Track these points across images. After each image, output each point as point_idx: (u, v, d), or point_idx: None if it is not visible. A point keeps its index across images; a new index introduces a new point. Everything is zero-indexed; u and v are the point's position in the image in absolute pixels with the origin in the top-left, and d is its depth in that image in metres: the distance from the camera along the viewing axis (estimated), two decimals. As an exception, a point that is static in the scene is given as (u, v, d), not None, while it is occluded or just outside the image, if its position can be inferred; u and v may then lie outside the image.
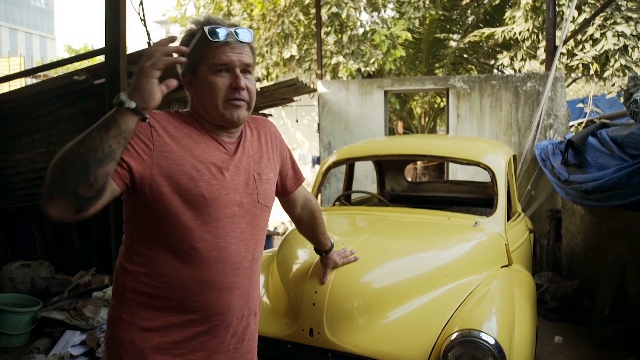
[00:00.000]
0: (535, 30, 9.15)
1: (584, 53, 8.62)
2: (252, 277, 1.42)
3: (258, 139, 1.47)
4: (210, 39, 1.28)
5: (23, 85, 8.66)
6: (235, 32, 1.31)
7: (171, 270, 1.28)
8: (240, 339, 1.40)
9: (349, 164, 3.76)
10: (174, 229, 1.27)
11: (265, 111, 7.70)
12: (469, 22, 11.16)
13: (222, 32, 1.29)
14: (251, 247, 1.39)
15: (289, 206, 1.73)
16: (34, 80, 8.81)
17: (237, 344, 1.40)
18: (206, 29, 1.29)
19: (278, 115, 11.67)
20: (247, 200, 1.37)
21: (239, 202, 1.35)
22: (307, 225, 1.80)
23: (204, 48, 1.30)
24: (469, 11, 11.19)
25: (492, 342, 1.79)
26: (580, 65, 8.83)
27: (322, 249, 1.93)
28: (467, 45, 10.96)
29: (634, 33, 8.21)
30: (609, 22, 8.30)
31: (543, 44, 7.49)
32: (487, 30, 9.73)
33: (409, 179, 5.74)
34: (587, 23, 7.25)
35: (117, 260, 1.36)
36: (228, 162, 1.34)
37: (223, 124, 1.35)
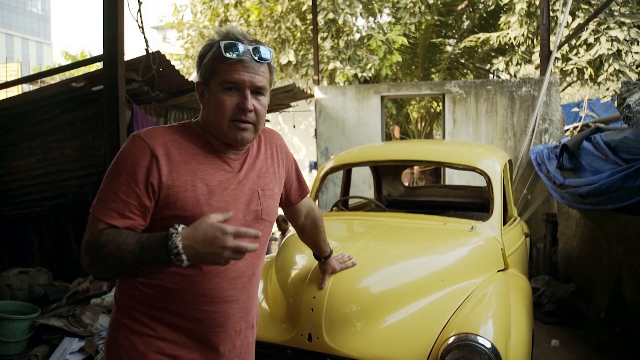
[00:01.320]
0: (530, 35, 9.23)
1: (579, 58, 8.69)
2: (251, 291, 1.42)
3: (264, 153, 1.45)
4: (224, 55, 1.25)
5: (20, 92, 8.65)
6: (252, 49, 1.27)
7: (169, 282, 1.29)
8: (238, 352, 1.41)
9: (346, 169, 3.78)
10: None
11: (263, 117, 7.70)
12: (465, 27, 11.23)
13: (238, 49, 1.25)
14: (252, 263, 1.39)
15: (292, 216, 1.73)
16: (32, 87, 8.81)
17: (235, 356, 1.40)
18: (222, 43, 1.24)
19: (275, 121, 11.67)
20: (250, 218, 1.36)
21: (242, 220, 1.34)
22: (310, 233, 1.81)
23: (217, 63, 1.27)
24: (465, 16, 11.28)
25: (488, 345, 1.80)
26: (575, 70, 8.90)
27: (322, 255, 1.95)
28: (462, 50, 11.02)
29: (627, 38, 8.28)
30: (602, 27, 8.38)
31: (538, 48, 7.54)
32: (482, 36, 9.80)
33: (406, 184, 5.76)
34: (581, 28, 7.32)
35: None
36: (232, 180, 1.34)
37: (228, 143, 1.33)
